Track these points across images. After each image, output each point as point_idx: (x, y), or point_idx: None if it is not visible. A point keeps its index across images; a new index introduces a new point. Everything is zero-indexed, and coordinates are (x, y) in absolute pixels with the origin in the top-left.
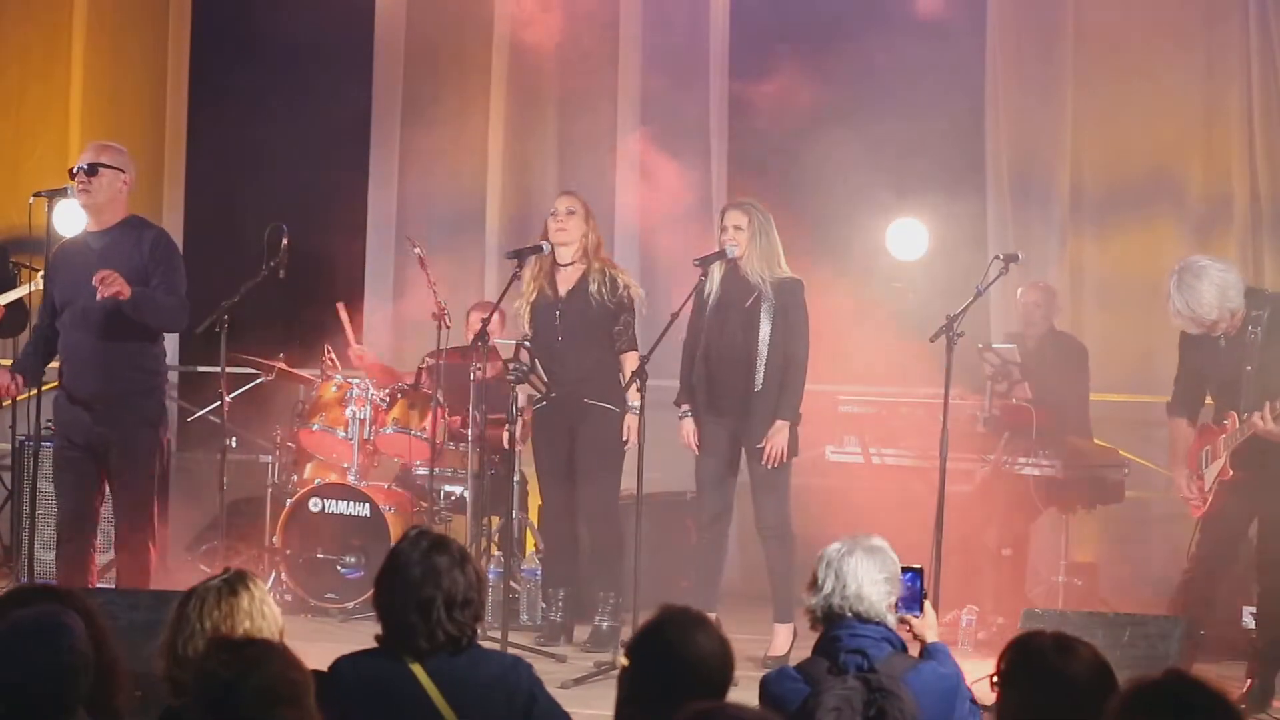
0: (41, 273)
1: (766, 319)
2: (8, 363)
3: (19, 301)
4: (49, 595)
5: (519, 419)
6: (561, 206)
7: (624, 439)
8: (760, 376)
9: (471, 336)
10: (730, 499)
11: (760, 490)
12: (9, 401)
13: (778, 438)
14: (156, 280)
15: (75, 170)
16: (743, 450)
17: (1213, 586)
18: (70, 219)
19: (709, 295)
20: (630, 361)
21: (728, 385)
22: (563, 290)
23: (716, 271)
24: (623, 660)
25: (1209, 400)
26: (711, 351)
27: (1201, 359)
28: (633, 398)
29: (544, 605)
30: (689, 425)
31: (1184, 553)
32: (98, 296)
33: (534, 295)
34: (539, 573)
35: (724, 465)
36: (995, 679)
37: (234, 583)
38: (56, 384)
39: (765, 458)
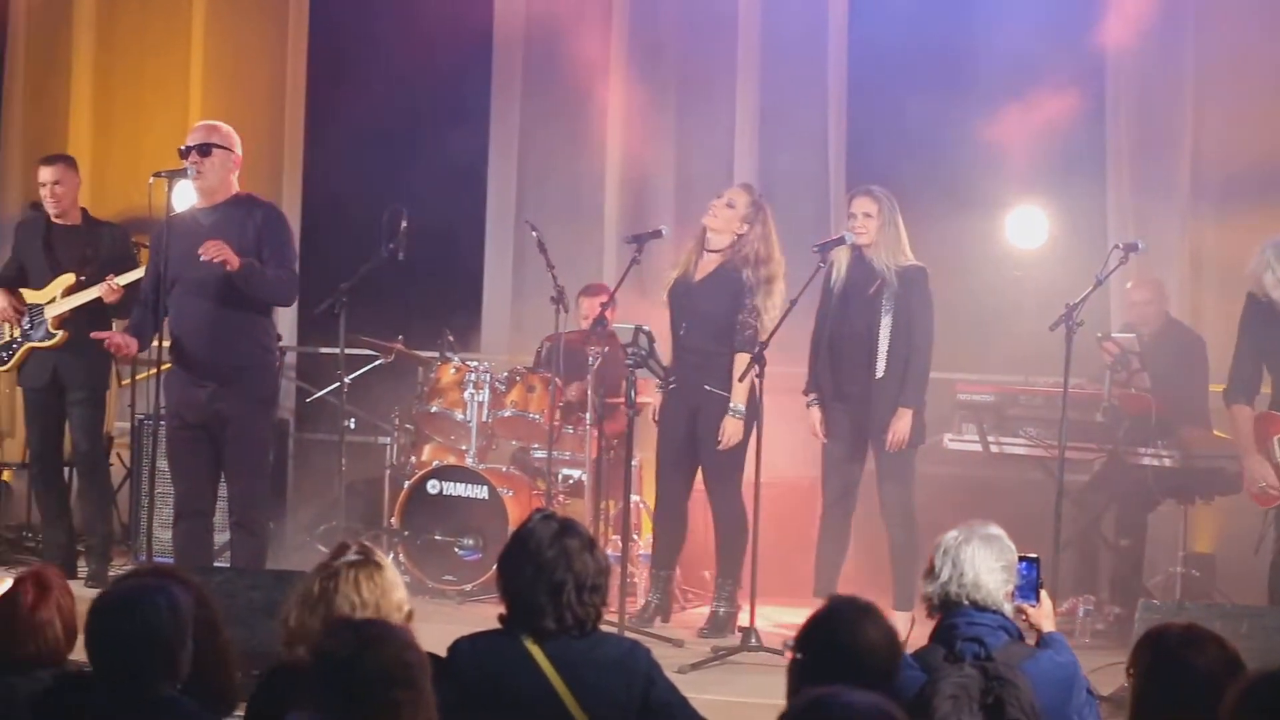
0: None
1: (889, 307)
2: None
3: (138, 282)
4: (161, 575)
5: (635, 403)
6: (725, 195)
7: (720, 440)
8: (882, 364)
9: (589, 321)
10: (854, 486)
11: (884, 477)
12: (122, 379)
13: (900, 425)
14: (267, 254)
15: (186, 150)
16: (867, 437)
17: None
18: (188, 199)
19: (835, 283)
20: (740, 363)
21: (851, 372)
22: (698, 276)
23: (844, 259)
24: (789, 652)
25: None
26: (835, 339)
27: (1272, 336)
28: (736, 400)
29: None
30: (816, 413)
31: None
32: (202, 257)
33: (679, 273)
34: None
35: (848, 452)
36: (1130, 671)
37: (368, 560)
38: (169, 365)
39: (887, 444)
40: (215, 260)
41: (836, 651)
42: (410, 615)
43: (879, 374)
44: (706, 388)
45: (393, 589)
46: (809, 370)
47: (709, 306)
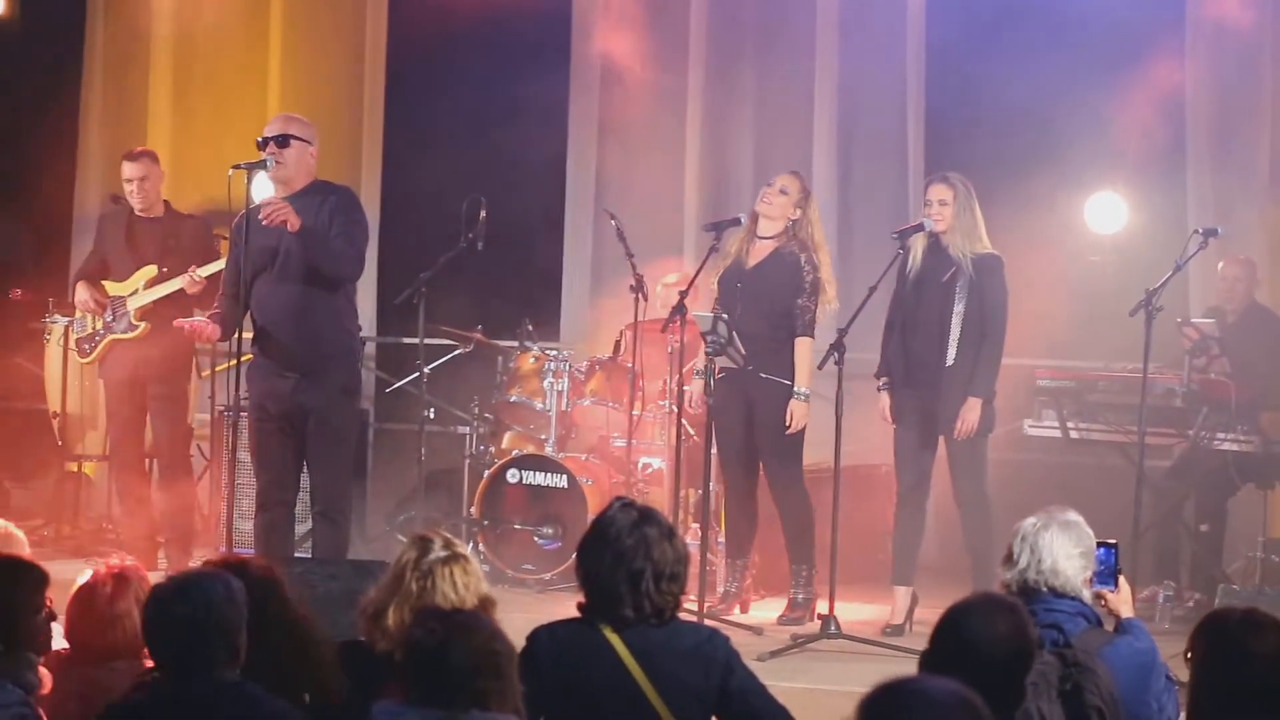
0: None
1: (963, 294)
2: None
3: (220, 274)
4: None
5: (712, 392)
6: (777, 182)
7: (787, 424)
8: (953, 351)
9: (670, 309)
10: (927, 472)
11: (956, 464)
12: (203, 371)
13: (970, 414)
14: (335, 230)
15: (264, 141)
16: (938, 424)
17: None
18: (267, 190)
19: (910, 269)
20: (803, 347)
21: (922, 359)
22: (751, 263)
23: (919, 245)
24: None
25: None
26: (908, 325)
27: None
28: (801, 384)
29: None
30: (886, 398)
31: None
32: (261, 218)
33: (728, 263)
34: None
35: (919, 438)
36: (1188, 656)
37: (456, 555)
38: (250, 356)
39: (956, 433)
40: (276, 222)
41: (961, 646)
42: (493, 604)
43: (950, 361)
44: (763, 375)
45: (480, 579)
46: (881, 355)
47: (765, 291)
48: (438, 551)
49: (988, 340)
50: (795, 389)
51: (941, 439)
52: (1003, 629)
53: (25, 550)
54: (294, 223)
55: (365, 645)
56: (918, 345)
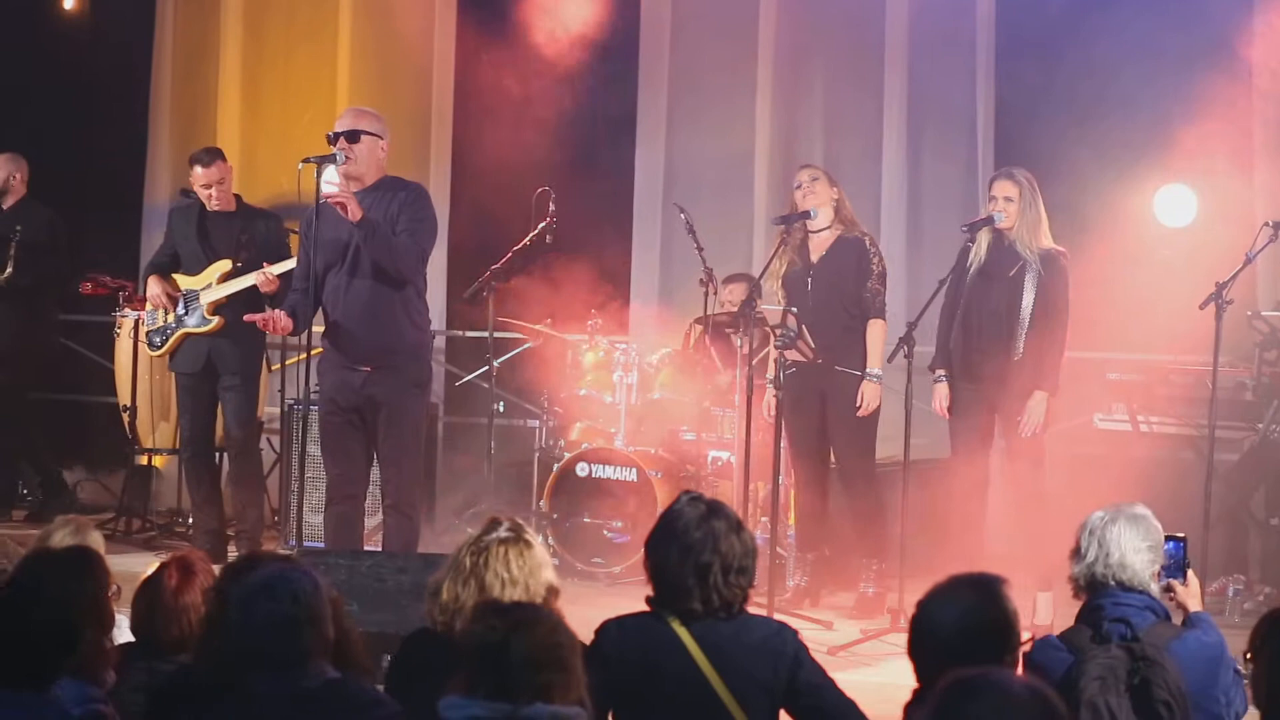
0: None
1: (1030, 289)
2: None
3: (292, 271)
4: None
5: (783, 384)
6: (804, 176)
7: (858, 405)
8: (1020, 346)
9: (737, 305)
10: (987, 465)
11: (1015, 458)
12: (273, 364)
13: (1036, 409)
14: (401, 226)
15: (334, 136)
16: (997, 418)
17: None
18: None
19: (972, 262)
20: (875, 329)
21: (986, 353)
22: (815, 257)
23: (984, 240)
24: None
25: None
26: (971, 318)
27: None
28: (874, 365)
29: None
30: (943, 390)
31: None
32: (328, 199)
33: (784, 269)
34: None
35: (978, 431)
36: (1248, 653)
37: (518, 537)
38: (319, 350)
39: (1021, 428)
40: (335, 204)
41: (923, 630)
42: (557, 593)
43: (1016, 355)
44: (837, 368)
45: (541, 568)
46: (937, 347)
47: (836, 280)
48: (500, 532)
49: (1052, 335)
50: (868, 370)
51: (1000, 432)
52: (961, 609)
53: (100, 544)
54: (355, 211)
55: (431, 632)
56: (983, 339)
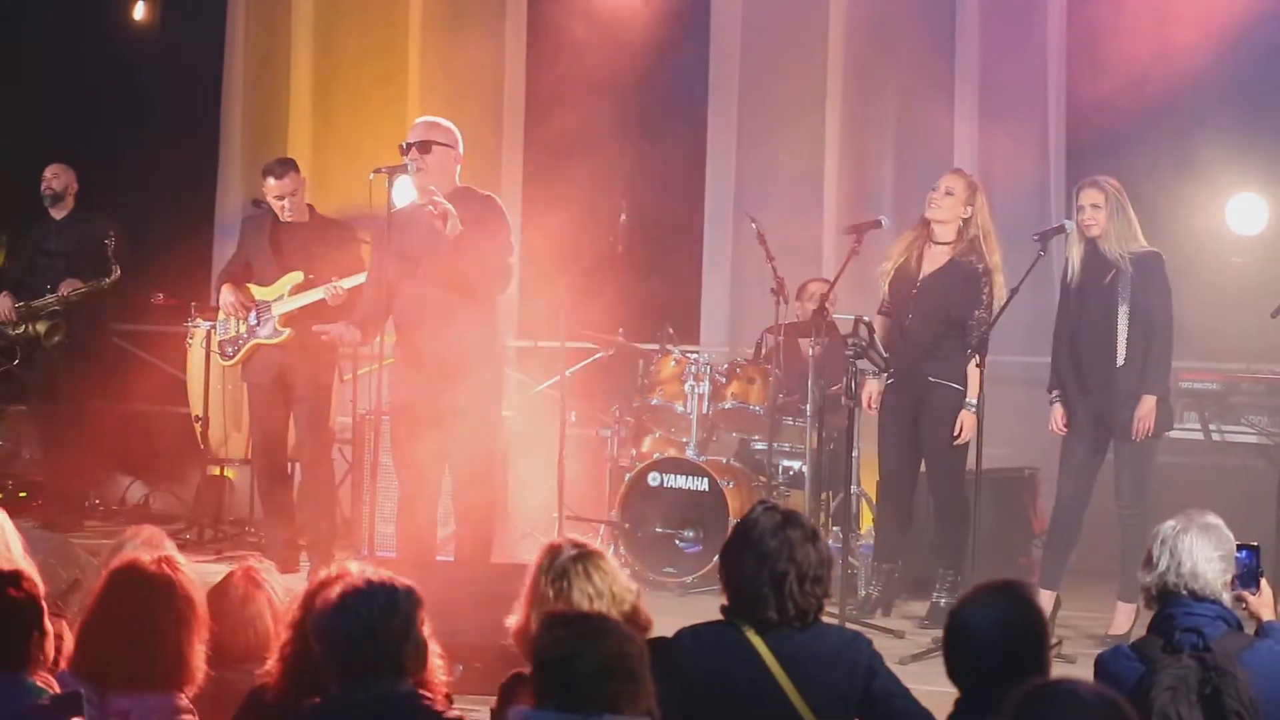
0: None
1: (1126, 295)
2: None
3: (362, 286)
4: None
5: (858, 393)
6: (942, 184)
7: (956, 434)
8: (1122, 352)
9: (811, 311)
10: (1092, 482)
11: (1123, 465)
12: (345, 374)
13: (1145, 412)
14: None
15: (407, 146)
16: (1108, 428)
17: None
18: (408, 195)
19: (1071, 278)
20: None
21: (1092, 364)
22: (927, 269)
23: (1077, 252)
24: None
25: None
26: (1075, 332)
27: None
28: (972, 395)
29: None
30: (1059, 410)
31: None
32: (425, 204)
33: (899, 264)
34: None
35: (1090, 447)
36: None
37: (587, 551)
38: (392, 360)
39: (1133, 432)
40: (438, 215)
41: (958, 635)
42: (639, 594)
43: (1119, 362)
44: (931, 379)
45: (617, 573)
46: (1052, 367)
47: (942, 300)
48: (567, 552)
49: (1156, 337)
50: (967, 400)
51: (1113, 441)
52: (995, 614)
53: (174, 554)
54: (455, 226)
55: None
56: (1087, 351)
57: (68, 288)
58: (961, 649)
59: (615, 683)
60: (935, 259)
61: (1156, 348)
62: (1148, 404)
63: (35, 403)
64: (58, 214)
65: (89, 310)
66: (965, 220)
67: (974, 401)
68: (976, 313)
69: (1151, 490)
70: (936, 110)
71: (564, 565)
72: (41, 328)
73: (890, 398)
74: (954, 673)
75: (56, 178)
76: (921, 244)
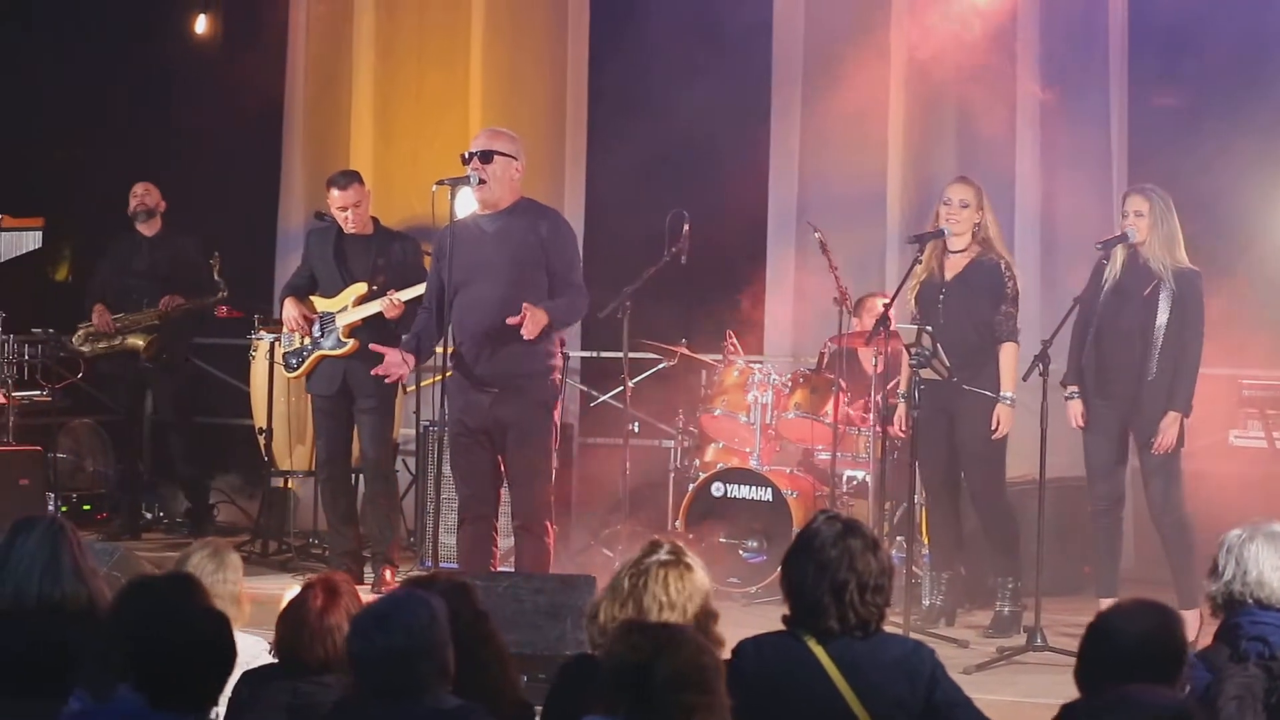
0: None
1: (1165, 308)
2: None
3: (420, 298)
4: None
5: (917, 404)
6: (955, 198)
7: (993, 429)
8: (1154, 365)
9: (872, 322)
10: (1122, 484)
11: (1151, 477)
12: (408, 386)
13: (1170, 430)
14: (556, 267)
15: (469, 156)
16: (1131, 437)
17: None
18: (470, 206)
19: (1107, 279)
20: (1008, 352)
21: (1120, 371)
22: (949, 275)
23: (1119, 257)
24: None
25: None
26: (1105, 335)
27: None
28: (1007, 388)
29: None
30: (1076, 406)
31: None
32: (525, 334)
33: (924, 276)
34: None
35: (1113, 450)
36: None
37: (679, 560)
38: (452, 371)
39: (1155, 448)
40: (531, 336)
41: (1106, 647)
42: (716, 619)
43: (1151, 375)
44: (966, 387)
45: (700, 592)
46: (1069, 362)
47: (969, 301)
48: (661, 554)
49: (1186, 355)
50: (1001, 394)
51: (1135, 452)
52: (1145, 628)
53: (238, 566)
54: (541, 326)
55: (590, 658)
56: (1117, 357)
57: (169, 303)
58: (1101, 650)
59: (689, 694)
60: (955, 265)
61: (1186, 366)
62: (1172, 420)
63: (121, 415)
64: (147, 231)
65: (184, 326)
66: (978, 224)
67: (1010, 395)
68: (1002, 307)
69: (1194, 496)
70: (998, 118)
71: (650, 565)
72: (139, 341)
73: (924, 409)
74: (1083, 672)
75: (149, 194)
76: (940, 254)
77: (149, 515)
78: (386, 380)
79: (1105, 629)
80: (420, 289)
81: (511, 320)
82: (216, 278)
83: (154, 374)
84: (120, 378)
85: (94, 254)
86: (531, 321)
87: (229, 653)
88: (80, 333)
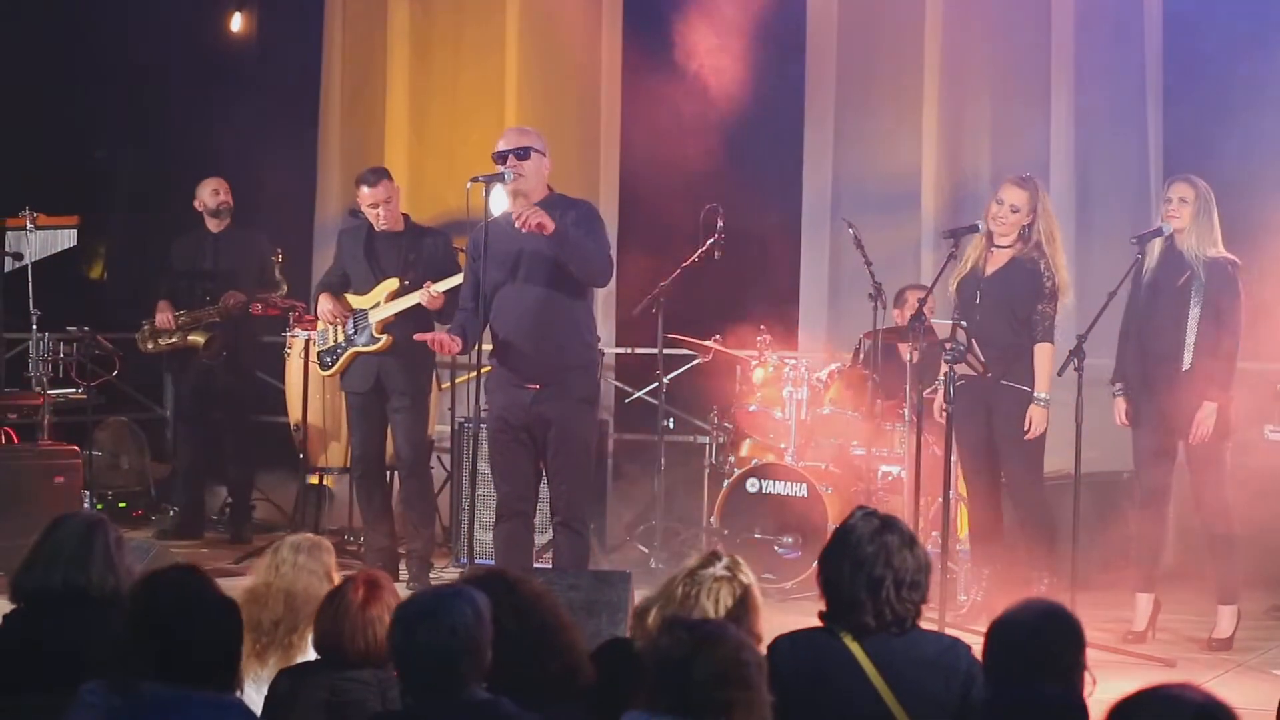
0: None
1: (1197, 299)
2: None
3: (459, 289)
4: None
5: (951, 399)
6: (1006, 200)
7: (1026, 428)
8: (1189, 356)
9: (908, 317)
10: (1168, 478)
11: (1195, 470)
12: (443, 383)
13: (1207, 420)
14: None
15: (503, 154)
16: (1175, 430)
17: None
18: (502, 203)
19: (1145, 273)
20: (1043, 352)
21: (1158, 364)
22: (989, 270)
23: (1156, 248)
24: None
25: None
26: (1143, 329)
27: None
28: (1041, 389)
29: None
30: (1122, 404)
31: None
32: (517, 225)
33: (966, 270)
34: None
35: (1158, 445)
36: None
37: (734, 577)
38: (489, 368)
39: (1191, 438)
40: (531, 227)
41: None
42: (759, 639)
43: (1185, 366)
44: (1003, 382)
45: (752, 612)
46: (1116, 359)
47: (1006, 298)
48: (718, 569)
49: (1223, 344)
50: (1035, 394)
51: (1181, 445)
52: (1039, 627)
53: (332, 559)
54: (549, 225)
55: (624, 642)
56: (1154, 350)
57: (231, 299)
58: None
59: (731, 690)
60: (997, 260)
61: (1222, 355)
62: (1209, 410)
63: (184, 412)
64: (215, 227)
65: (245, 323)
66: (1028, 225)
67: (1044, 396)
68: (1039, 306)
69: (1230, 492)
70: (1033, 112)
71: (704, 577)
72: (200, 338)
73: (962, 403)
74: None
75: (223, 189)
76: (985, 248)
77: (173, 512)
78: (430, 344)
79: (1000, 628)
80: (457, 280)
81: (518, 218)
82: (278, 275)
83: (215, 371)
84: (184, 374)
85: (129, 252)
86: (533, 213)
87: (238, 636)
88: (145, 329)
